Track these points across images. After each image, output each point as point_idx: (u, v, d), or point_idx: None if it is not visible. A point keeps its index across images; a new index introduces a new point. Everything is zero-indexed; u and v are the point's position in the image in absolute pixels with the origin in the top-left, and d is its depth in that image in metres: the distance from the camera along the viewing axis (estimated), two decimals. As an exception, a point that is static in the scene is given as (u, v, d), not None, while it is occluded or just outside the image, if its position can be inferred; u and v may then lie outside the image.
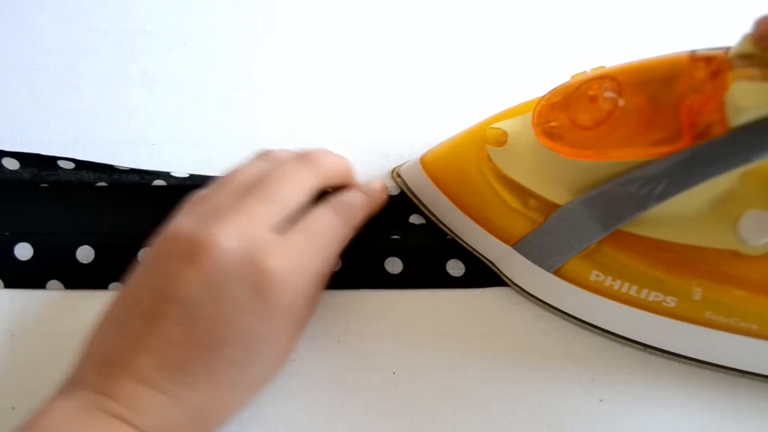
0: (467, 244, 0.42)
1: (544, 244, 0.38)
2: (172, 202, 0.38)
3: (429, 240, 0.44)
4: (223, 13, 0.53)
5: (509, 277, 0.42)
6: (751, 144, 0.31)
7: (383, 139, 0.48)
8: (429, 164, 0.43)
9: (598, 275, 0.38)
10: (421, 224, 0.44)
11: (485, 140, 0.40)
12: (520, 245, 0.39)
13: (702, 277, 0.37)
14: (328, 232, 0.38)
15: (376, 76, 0.51)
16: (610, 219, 0.36)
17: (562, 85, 0.37)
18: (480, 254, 0.42)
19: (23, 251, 0.43)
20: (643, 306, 0.38)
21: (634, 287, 0.38)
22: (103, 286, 0.42)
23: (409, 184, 0.44)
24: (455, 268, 0.43)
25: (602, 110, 0.34)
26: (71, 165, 0.45)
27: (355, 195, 0.41)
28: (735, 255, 0.36)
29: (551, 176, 0.37)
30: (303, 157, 0.40)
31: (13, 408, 0.39)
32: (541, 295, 0.41)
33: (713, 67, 0.32)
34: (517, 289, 0.42)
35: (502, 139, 0.39)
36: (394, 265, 0.43)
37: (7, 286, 0.42)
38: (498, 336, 0.42)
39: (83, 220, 0.44)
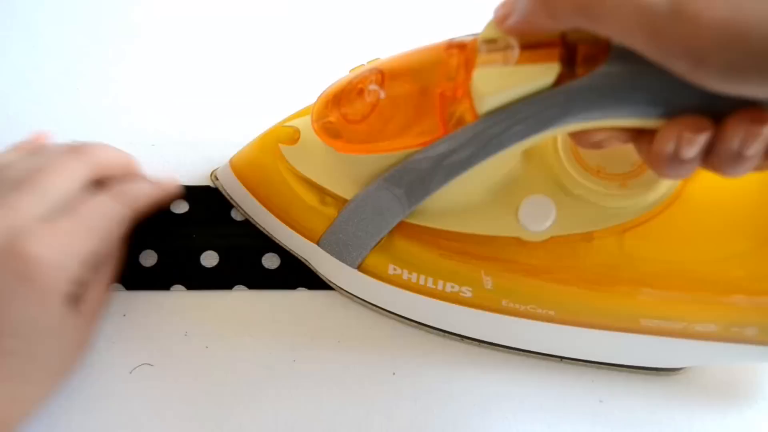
0: (281, 243, 0.43)
1: (342, 239, 0.38)
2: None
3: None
4: (223, 16, 0.53)
5: (321, 273, 0.42)
6: (497, 131, 0.31)
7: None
8: (236, 166, 0.43)
9: (395, 269, 0.38)
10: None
11: (277, 139, 0.40)
12: (323, 242, 0.39)
13: (490, 266, 0.37)
14: (101, 214, 0.38)
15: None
16: (384, 213, 0.36)
17: (339, 80, 0.36)
18: (294, 252, 0.43)
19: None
20: (444, 297, 0.38)
21: (430, 279, 0.38)
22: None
23: (224, 186, 0.44)
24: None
25: (367, 103, 0.34)
26: None
27: (137, 182, 0.42)
28: (520, 242, 0.36)
29: (339, 172, 0.38)
30: (74, 149, 0.40)
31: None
32: (350, 289, 0.42)
33: (466, 54, 0.32)
34: (332, 285, 0.42)
35: (294, 137, 0.39)
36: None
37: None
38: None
39: None
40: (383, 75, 0.34)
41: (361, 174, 0.36)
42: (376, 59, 0.36)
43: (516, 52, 0.30)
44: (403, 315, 0.41)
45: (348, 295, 0.42)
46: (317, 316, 0.42)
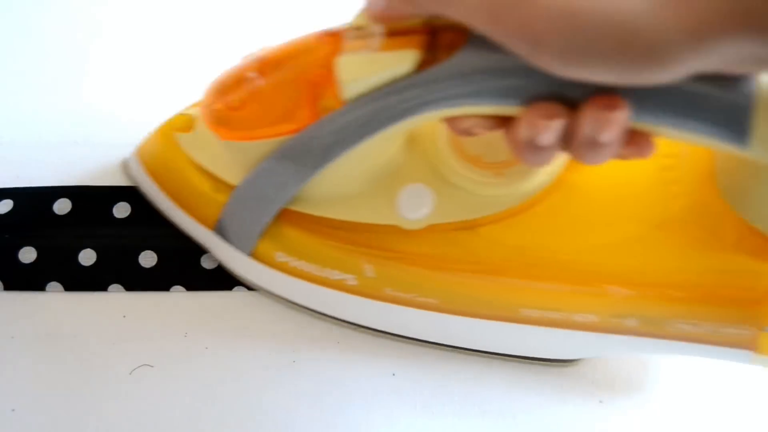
0: (186, 231, 0.42)
1: (232, 225, 0.39)
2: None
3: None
4: (224, 20, 0.53)
5: (222, 261, 0.42)
6: (361, 118, 0.31)
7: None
8: (140, 154, 0.43)
9: (282, 256, 0.38)
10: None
11: (173, 127, 0.40)
12: (217, 229, 0.40)
13: (371, 254, 0.37)
14: None
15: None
16: (272, 194, 0.37)
17: (229, 67, 0.37)
18: (197, 241, 0.42)
19: (27, 254, 0.43)
20: (330, 285, 0.38)
21: (316, 266, 0.38)
22: (103, 287, 0.42)
23: (133, 176, 0.44)
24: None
25: (246, 91, 0.34)
26: (68, 206, 0.45)
27: None
28: (399, 230, 0.36)
29: (229, 159, 0.38)
30: None
31: (13, 410, 0.39)
32: (246, 277, 0.42)
33: (336, 42, 0.32)
34: (235, 275, 0.42)
35: (189, 125, 0.40)
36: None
37: (7, 288, 0.42)
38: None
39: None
40: (263, 63, 0.34)
41: (247, 160, 0.36)
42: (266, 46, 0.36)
43: (379, 39, 0.30)
44: (295, 302, 0.41)
45: (250, 283, 0.42)
46: (317, 317, 0.42)
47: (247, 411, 0.40)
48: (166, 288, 0.43)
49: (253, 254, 0.39)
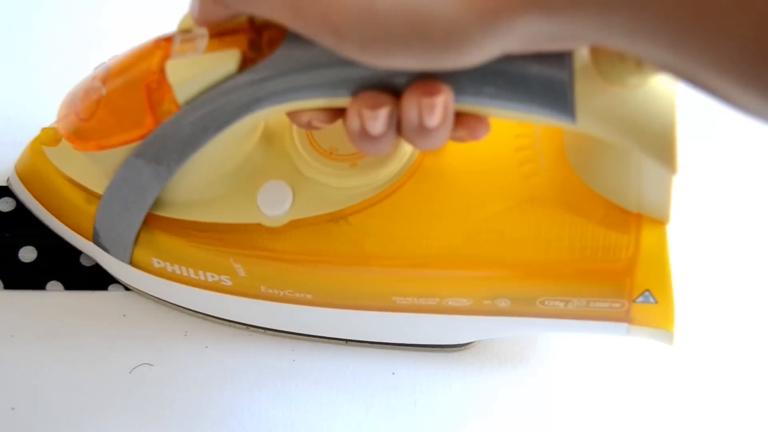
0: (74, 244, 0.42)
1: (107, 234, 0.38)
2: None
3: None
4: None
5: (111, 273, 0.42)
6: (196, 121, 0.31)
7: None
8: (18, 171, 0.42)
9: (158, 262, 0.38)
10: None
11: (40, 141, 0.40)
12: (95, 239, 0.39)
13: (240, 254, 0.37)
14: None
15: None
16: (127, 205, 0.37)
17: (81, 80, 0.37)
18: (86, 252, 0.42)
19: (27, 254, 0.43)
20: (207, 287, 0.39)
21: (191, 270, 0.38)
22: (103, 287, 0.43)
23: (16, 192, 0.43)
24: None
25: (93, 101, 0.34)
26: None
27: None
28: (263, 228, 0.36)
29: (93, 169, 0.37)
30: None
31: (13, 408, 0.39)
32: (132, 284, 0.42)
33: (169, 46, 0.32)
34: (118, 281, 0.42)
35: (56, 138, 0.39)
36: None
37: (7, 287, 0.42)
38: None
39: None
40: (107, 72, 0.34)
41: (107, 169, 0.36)
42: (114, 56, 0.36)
43: (205, 40, 0.31)
44: (181, 305, 0.41)
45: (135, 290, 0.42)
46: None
47: (247, 410, 0.40)
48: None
49: (132, 262, 0.39)
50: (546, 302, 0.35)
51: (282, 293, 0.38)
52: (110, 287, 0.43)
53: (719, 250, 0.45)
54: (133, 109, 0.33)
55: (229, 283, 0.38)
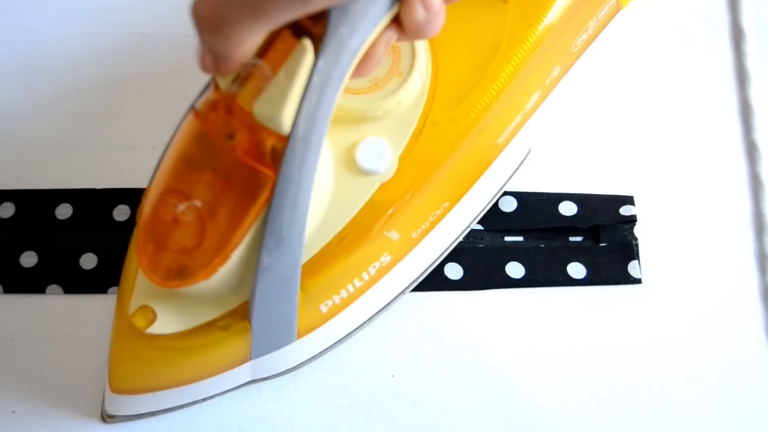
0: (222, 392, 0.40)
1: (270, 331, 0.36)
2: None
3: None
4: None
5: (271, 375, 0.40)
6: (309, 136, 0.29)
7: None
8: (122, 387, 0.37)
9: (326, 304, 0.37)
10: None
11: (141, 329, 0.34)
12: (255, 353, 0.37)
13: (382, 224, 0.37)
14: None
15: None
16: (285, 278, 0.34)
17: (136, 232, 0.33)
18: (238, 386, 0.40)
19: (27, 258, 0.43)
20: (378, 276, 0.39)
21: (356, 279, 0.38)
22: (103, 290, 0.43)
23: (129, 413, 0.39)
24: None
25: (193, 222, 0.31)
26: (69, 210, 0.45)
27: None
28: (382, 188, 0.36)
29: (213, 296, 0.34)
30: None
31: (13, 412, 0.39)
32: (305, 358, 0.40)
33: (221, 109, 0.30)
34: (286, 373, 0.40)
35: (151, 313, 0.34)
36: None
37: (7, 291, 0.43)
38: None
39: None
40: (178, 191, 0.31)
41: (235, 274, 0.33)
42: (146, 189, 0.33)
43: (263, 66, 0.29)
44: (363, 322, 0.41)
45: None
46: None
47: (247, 413, 0.40)
48: None
49: (301, 332, 0.37)
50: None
51: (426, 224, 0.39)
52: (109, 290, 0.43)
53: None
54: (242, 188, 0.31)
55: (389, 258, 0.38)
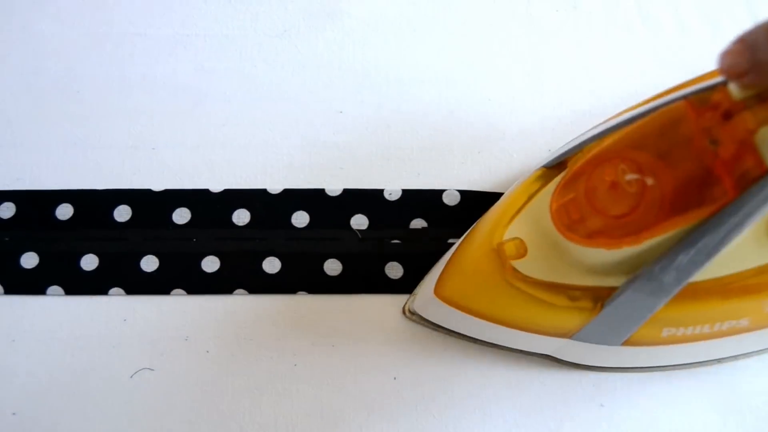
0: (513, 349, 0.41)
1: (608, 327, 0.37)
2: (172, 206, 0.42)
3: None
4: (222, 15, 0.53)
5: (569, 360, 0.41)
6: None
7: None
8: (447, 295, 0.39)
9: (669, 330, 0.37)
10: (422, 228, 0.44)
11: (506, 256, 0.36)
12: (580, 335, 0.37)
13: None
14: None
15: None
16: (665, 291, 0.34)
17: (563, 178, 0.35)
18: (528, 352, 0.41)
19: (28, 259, 0.43)
20: (719, 335, 0.37)
21: (707, 326, 0.37)
22: (104, 291, 0.42)
23: (429, 318, 0.41)
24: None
25: (631, 194, 0.32)
26: (70, 210, 0.45)
27: None
28: None
29: (586, 266, 0.35)
30: None
31: (14, 414, 0.39)
32: (607, 364, 0.41)
33: (720, 112, 0.30)
34: (577, 367, 0.41)
35: (522, 249, 0.36)
36: (395, 270, 0.43)
37: (8, 292, 0.42)
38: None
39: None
40: (634, 160, 0.32)
41: (626, 261, 0.33)
42: (593, 144, 0.35)
43: None
44: (660, 365, 0.41)
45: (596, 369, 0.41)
46: (318, 320, 0.42)
47: (248, 415, 0.40)
48: (166, 291, 0.43)
49: (628, 342, 0.37)
50: None
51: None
52: (110, 292, 0.42)
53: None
54: (697, 187, 0.31)
55: (746, 323, 0.37)
